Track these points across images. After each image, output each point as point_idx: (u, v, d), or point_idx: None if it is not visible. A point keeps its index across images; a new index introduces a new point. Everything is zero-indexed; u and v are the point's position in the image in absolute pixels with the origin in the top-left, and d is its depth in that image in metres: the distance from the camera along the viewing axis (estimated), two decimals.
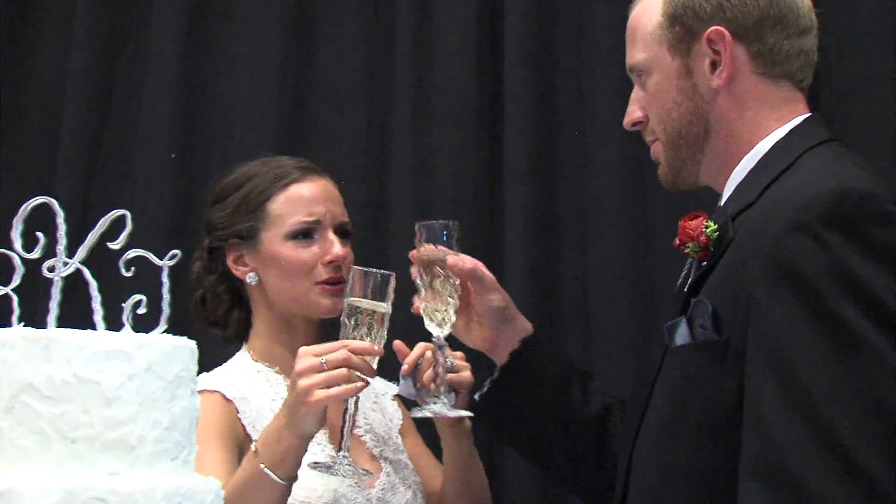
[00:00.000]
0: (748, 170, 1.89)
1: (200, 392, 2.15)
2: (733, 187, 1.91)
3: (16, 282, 1.65)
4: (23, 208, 1.65)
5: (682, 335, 1.81)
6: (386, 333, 2.14)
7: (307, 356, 2.07)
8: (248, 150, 2.94)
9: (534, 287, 2.87)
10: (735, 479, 1.67)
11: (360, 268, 2.16)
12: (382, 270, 2.15)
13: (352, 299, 2.13)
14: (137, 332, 1.60)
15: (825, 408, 1.60)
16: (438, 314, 2.12)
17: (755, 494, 1.63)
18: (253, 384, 2.33)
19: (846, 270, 1.63)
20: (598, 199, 2.88)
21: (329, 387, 2.05)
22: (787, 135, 1.89)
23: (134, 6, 3.33)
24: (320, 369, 2.05)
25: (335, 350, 2.07)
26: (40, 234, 1.64)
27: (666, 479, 1.81)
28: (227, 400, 2.27)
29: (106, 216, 1.67)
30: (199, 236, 2.49)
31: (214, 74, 3.25)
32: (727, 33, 1.90)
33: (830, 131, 1.92)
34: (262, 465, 2.08)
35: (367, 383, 2.09)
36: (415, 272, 2.14)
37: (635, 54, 1.99)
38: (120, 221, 1.67)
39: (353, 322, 2.12)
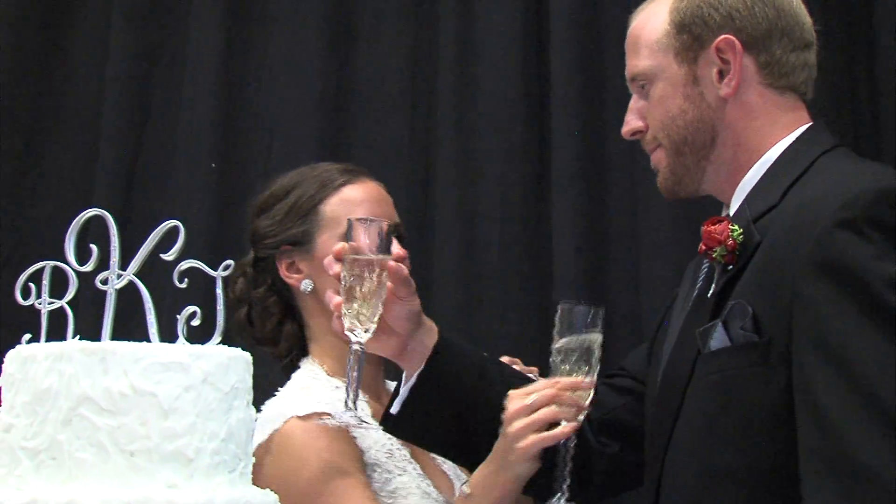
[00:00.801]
0: (759, 177, 1.91)
1: (306, 416, 2.10)
2: (744, 195, 1.92)
3: (70, 294, 1.64)
4: (76, 221, 1.64)
5: (718, 339, 1.80)
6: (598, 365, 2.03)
7: (516, 398, 2.01)
8: (289, 157, 2.94)
9: (584, 293, 2.83)
10: (782, 477, 1.68)
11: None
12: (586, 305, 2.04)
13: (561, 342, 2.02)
14: (189, 343, 1.60)
15: (886, 396, 1.61)
16: (364, 318, 1.96)
17: (827, 489, 1.63)
18: (339, 401, 2.16)
19: (890, 265, 1.65)
20: (648, 202, 2.86)
21: (542, 428, 1.99)
22: (794, 142, 1.92)
23: (171, 14, 3.33)
24: (530, 410, 1.99)
25: (544, 388, 2.00)
26: (94, 247, 1.63)
27: (708, 483, 1.81)
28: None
29: (159, 227, 1.66)
30: (242, 245, 2.44)
31: (254, 82, 3.24)
32: (737, 42, 1.91)
33: (835, 137, 1.94)
34: None
35: (578, 424, 2.01)
36: (338, 269, 1.98)
37: (638, 63, 1.99)
38: (170, 233, 1.65)
39: (567, 360, 2.01)
